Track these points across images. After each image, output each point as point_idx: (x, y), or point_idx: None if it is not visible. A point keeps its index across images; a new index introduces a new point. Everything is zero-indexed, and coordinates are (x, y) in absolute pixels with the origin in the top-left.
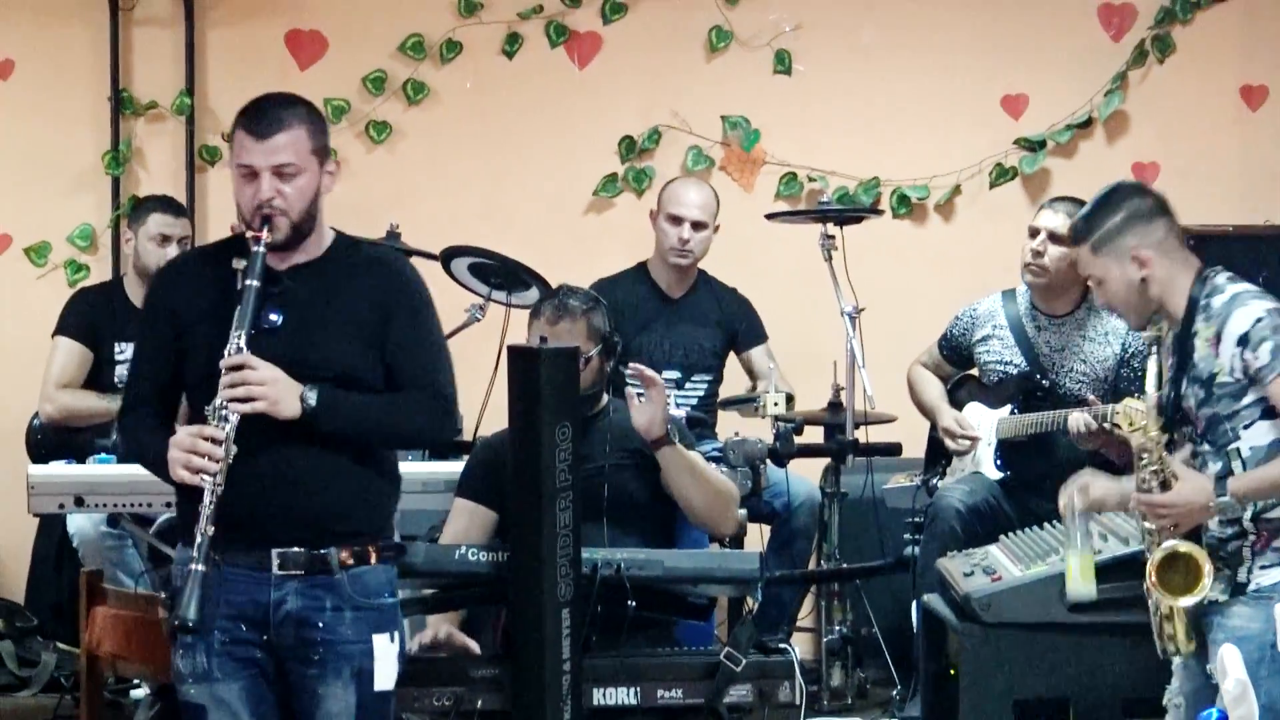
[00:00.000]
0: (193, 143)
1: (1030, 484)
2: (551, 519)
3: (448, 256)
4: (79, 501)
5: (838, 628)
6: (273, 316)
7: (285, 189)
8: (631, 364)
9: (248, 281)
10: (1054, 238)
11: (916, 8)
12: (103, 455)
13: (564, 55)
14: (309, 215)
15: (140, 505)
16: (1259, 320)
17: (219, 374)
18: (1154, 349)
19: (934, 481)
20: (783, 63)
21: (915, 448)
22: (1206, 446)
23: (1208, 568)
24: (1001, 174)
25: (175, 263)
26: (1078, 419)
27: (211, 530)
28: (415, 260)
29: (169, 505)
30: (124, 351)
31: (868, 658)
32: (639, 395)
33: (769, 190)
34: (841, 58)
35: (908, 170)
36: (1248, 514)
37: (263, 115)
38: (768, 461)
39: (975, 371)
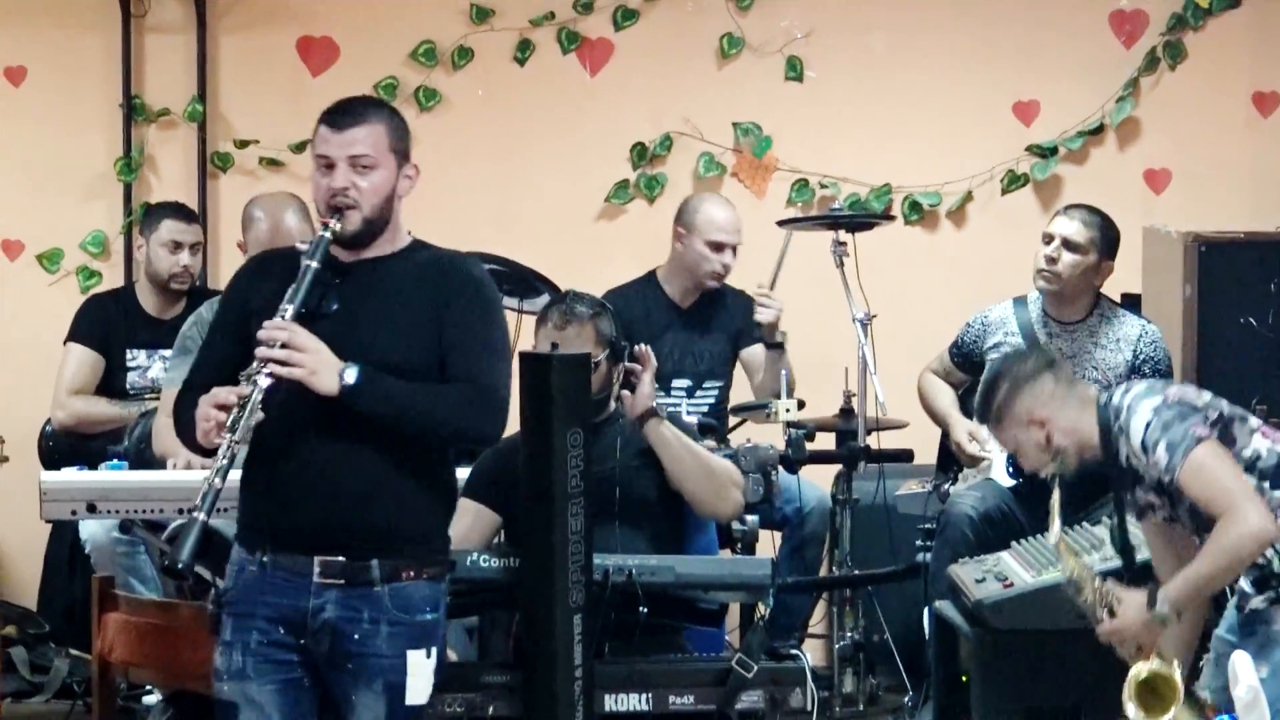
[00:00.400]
0: (205, 149)
1: (1043, 490)
2: (563, 525)
3: None
4: (91, 508)
5: (849, 634)
6: (332, 306)
7: (359, 181)
8: (638, 346)
9: (306, 262)
10: (1068, 244)
11: (928, 14)
12: (115, 461)
13: (575, 62)
14: (382, 212)
15: (152, 511)
16: (1148, 425)
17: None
18: (1055, 483)
19: (946, 487)
20: (794, 69)
21: (927, 454)
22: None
23: (1178, 684)
24: (1013, 181)
25: (257, 257)
26: None
27: (219, 484)
28: None
29: (181, 511)
30: (136, 358)
31: (879, 664)
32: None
33: (780, 197)
34: (853, 64)
35: (920, 177)
36: None
37: (344, 109)
38: (779, 468)
39: None
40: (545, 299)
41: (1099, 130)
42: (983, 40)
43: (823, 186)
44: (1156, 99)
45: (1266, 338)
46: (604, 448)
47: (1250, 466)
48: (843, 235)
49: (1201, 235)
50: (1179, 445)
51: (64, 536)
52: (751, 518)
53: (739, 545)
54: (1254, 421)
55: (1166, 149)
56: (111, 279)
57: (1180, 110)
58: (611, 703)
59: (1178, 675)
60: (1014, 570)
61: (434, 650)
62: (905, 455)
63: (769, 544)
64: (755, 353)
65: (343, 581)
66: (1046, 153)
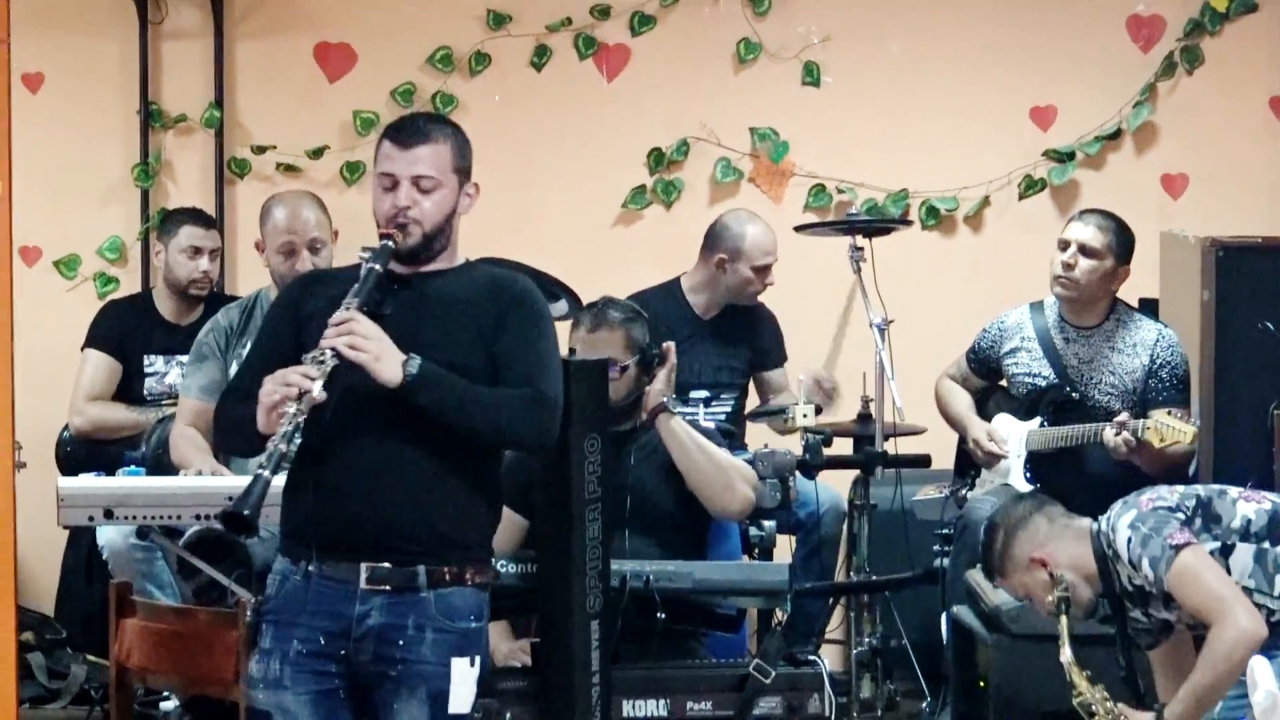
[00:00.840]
0: (222, 155)
1: (1060, 496)
2: (581, 531)
3: None
4: (108, 514)
5: (867, 639)
6: (389, 311)
7: (422, 201)
8: (665, 344)
9: (369, 264)
10: (1085, 250)
11: (945, 19)
12: (132, 468)
13: (592, 67)
14: (442, 231)
15: (170, 518)
16: (1129, 541)
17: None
18: (1061, 610)
19: (963, 493)
20: (811, 74)
21: (944, 459)
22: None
23: None
24: (1030, 185)
25: (309, 272)
26: (1115, 439)
27: (284, 448)
28: None
29: (198, 518)
30: (153, 364)
31: (897, 669)
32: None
33: (798, 202)
34: (870, 69)
35: (936, 182)
36: None
37: (409, 127)
38: (797, 473)
39: (1004, 383)
40: (562, 304)
41: (1116, 135)
42: (1000, 45)
43: (840, 191)
44: (1174, 104)
45: None
46: (629, 455)
47: (1245, 533)
48: (860, 240)
49: (1219, 240)
50: (1160, 559)
51: (81, 542)
52: (769, 523)
53: (756, 551)
54: (1233, 492)
55: (1184, 154)
56: (129, 285)
57: (1198, 115)
58: (629, 708)
59: None
60: None
61: (477, 659)
62: (923, 460)
63: (786, 549)
64: (776, 378)
65: (388, 588)
66: (1064, 158)
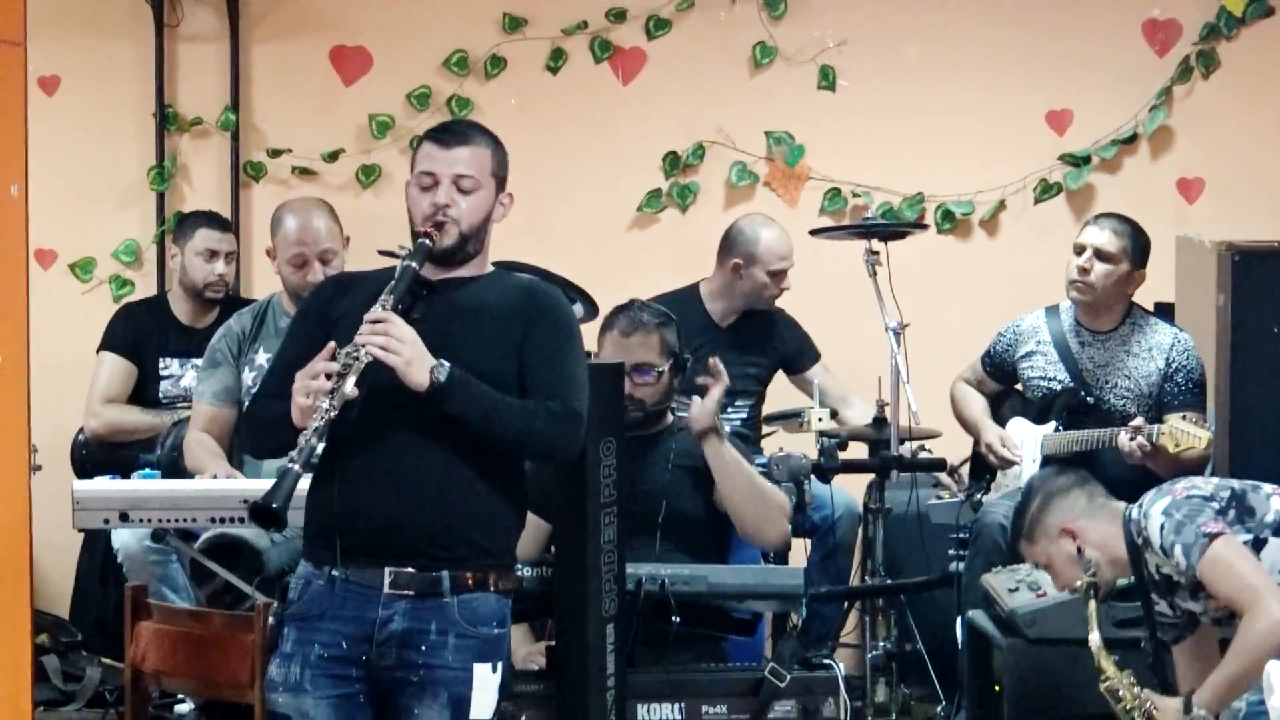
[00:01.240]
0: (238, 158)
1: None
2: (596, 534)
3: None
4: (124, 517)
5: (882, 643)
6: (416, 315)
7: (460, 200)
8: (712, 360)
9: (406, 263)
10: (1100, 254)
11: (961, 23)
12: (147, 471)
13: (608, 71)
14: (477, 234)
15: (185, 521)
16: (1162, 528)
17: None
18: (1090, 595)
19: (978, 497)
20: (827, 78)
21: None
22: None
23: None
24: (1046, 189)
25: (339, 274)
26: (1129, 444)
27: (315, 443)
28: None
29: (213, 521)
30: (169, 367)
31: (912, 674)
32: (697, 394)
33: (813, 206)
34: (886, 73)
35: (952, 186)
36: None
37: (451, 129)
38: (812, 477)
39: (1019, 387)
40: (577, 308)
41: (1132, 139)
42: (1016, 49)
43: (855, 195)
44: (1190, 108)
45: None
46: (657, 458)
47: (1278, 528)
48: (875, 244)
49: (1235, 244)
50: (1193, 546)
51: (96, 545)
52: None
53: (771, 555)
54: (1267, 487)
55: (1200, 158)
56: (144, 288)
57: (1213, 119)
58: (644, 712)
59: None
60: (1047, 580)
61: (500, 665)
62: (938, 465)
63: (802, 553)
64: (821, 377)
65: (412, 593)
66: (1079, 162)
